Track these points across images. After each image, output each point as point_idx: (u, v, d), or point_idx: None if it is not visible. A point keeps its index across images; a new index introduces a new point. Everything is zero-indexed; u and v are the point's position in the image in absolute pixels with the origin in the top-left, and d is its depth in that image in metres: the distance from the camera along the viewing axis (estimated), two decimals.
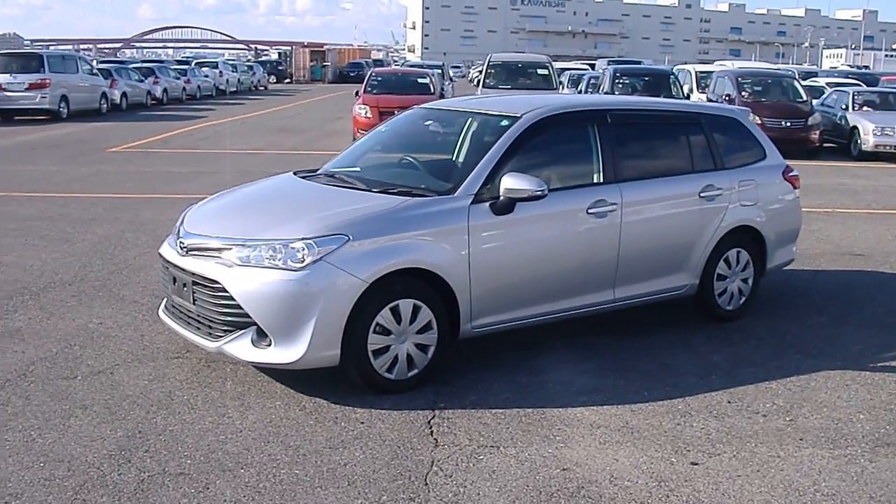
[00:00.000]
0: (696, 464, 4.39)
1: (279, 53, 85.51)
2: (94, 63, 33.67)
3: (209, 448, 4.41)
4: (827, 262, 9.02)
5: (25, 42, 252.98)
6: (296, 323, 4.84)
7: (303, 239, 4.93)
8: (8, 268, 7.90)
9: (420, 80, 20.37)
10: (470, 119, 6.31)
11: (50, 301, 6.89)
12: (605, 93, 20.31)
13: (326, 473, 4.18)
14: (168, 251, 5.50)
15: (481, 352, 5.88)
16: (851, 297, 7.70)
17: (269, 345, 4.91)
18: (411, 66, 35.90)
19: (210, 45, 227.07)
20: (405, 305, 5.11)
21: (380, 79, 20.62)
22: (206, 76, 44.95)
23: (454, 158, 6.24)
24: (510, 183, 5.37)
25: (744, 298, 6.88)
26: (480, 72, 23.20)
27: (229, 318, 5.00)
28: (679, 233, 6.40)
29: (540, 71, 19.97)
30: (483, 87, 19.38)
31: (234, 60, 64.55)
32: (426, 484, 4.10)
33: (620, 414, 4.99)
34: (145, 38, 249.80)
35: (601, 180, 6.02)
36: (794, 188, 7.20)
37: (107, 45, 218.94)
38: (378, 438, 4.58)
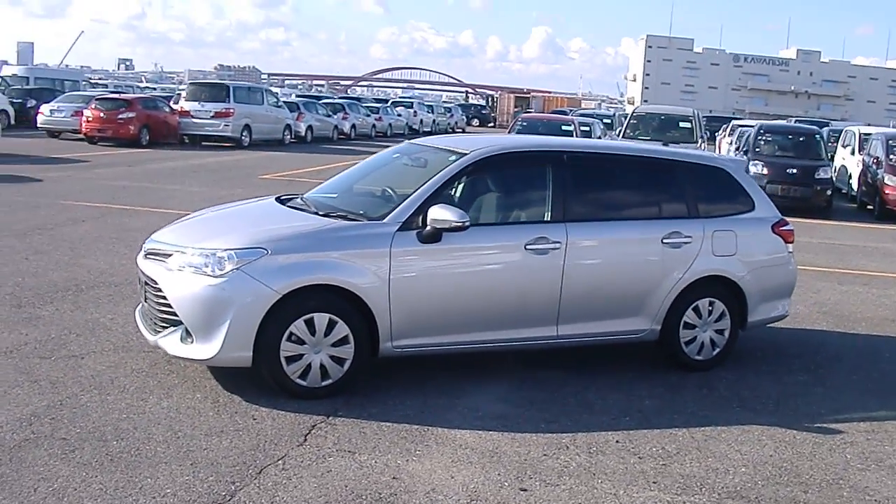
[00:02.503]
0: (524, 490, 4.55)
1: (486, 98, 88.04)
2: (285, 94, 36.24)
3: (103, 422, 5.05)
4: (866, 327, 8.58)
5: (263, 76, 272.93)
6: (213, 324, 5.41)
7: (227, 250, 5.51)
8: (77, 267, 9.00)
9: (564, 127, 20.86)
10: (430, 154, 6.68)
11: (87, 297, 7.84)
12: (746, 149, 19.83)
13: (181, 454, 4.69)
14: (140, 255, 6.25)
15: (419, 371, 6.21)
16: (856, 362, 7.35)
17: (192, 342, 5.50)
18: (583, 114, 36.11)
19: (437, 86, 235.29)
20: (320, 319, 5.55)
21: (525, 124, 21.30)
22: (399, 115, 47.03)
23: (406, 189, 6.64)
24: (435, 213, 5.71)
25: (717, 350, 6.78)
26: (622, 123, 23.30)
27: (165, 316, 5.65)
28: (635, 276, 6.45)
29: (682, 124, 19.86)
30: (623, 137, 19.48)
31: (439, 102, 67.21)
32: (258, 474, 4.52)
33: (499, 440, 5.18)
34: (376, 76, 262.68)
35: (548, 219, 6.22)
36: (787, 242, 7.03)
37: (339, 82, 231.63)
38: (254, 433, 5.05)
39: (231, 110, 27.94)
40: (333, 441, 5.01)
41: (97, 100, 26.71)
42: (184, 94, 30.27)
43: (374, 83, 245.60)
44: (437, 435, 5.20)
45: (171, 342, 5.61)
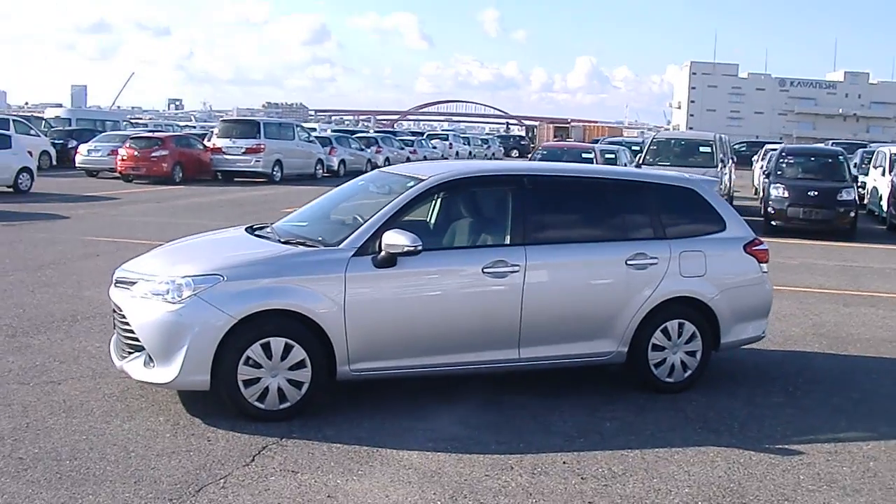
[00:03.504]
0: None
1: (526, 129, 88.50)
2: (322, 129, 36.72)
3: (62, 443, 5.23)
4: (860, 349, 8.45)
5: (310, 112, 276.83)
6: (171, 348, 5.57)
7: (185, 277, 5.67)
8: (78, 300, 9.27)
9: (584, 155, 20.90)
10: (393, 180, 6.79)
11: (80, 328, 8.08)
12: (768, 172, 19.70)
13: (128, 473, 4.84)
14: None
15: (383, 394, 6.29)
16: (838, 383, 7.25)
17: (154, 366, 5.66)
18: (611, 142, 36.08)
19: (482, 118, 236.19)
20: (276, 343, 5.68)
21: (545, 152, 21.42)
22: (434, 147, 47.45)
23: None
24: (389, 238, 5.83)
25: (689, 372, 6.75)
26: (640, 150, 23.30)
27: (130, 342, 5.83)
28: (598, 299, 6.47)
29: (702, 148, 19.79)
30: (643, 163, 19.47)
31: (482, 134, 67.63)
32: (197, 493, 4.64)
33: (444, 461, 5.23)
34: (421, 110, 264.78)
35: (507, 242, 6.29)
36: (760, 262, 6.99)
37: (385, 117, 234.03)
38: (205, 453, 5.17)
39: (262, 146, 28.43)
40: (280, 462, 5.11)
41: (131, 139, 27.41)
42: (216, 131, 30.88)
43: (420, 117, 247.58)
44: (383, 456, 5.27)
45: (134, 367, 5.78)
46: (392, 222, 6.01)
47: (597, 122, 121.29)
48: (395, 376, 6.13)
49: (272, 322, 5.70)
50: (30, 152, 21.68)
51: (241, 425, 5.63)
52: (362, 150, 36.97)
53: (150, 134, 30.61)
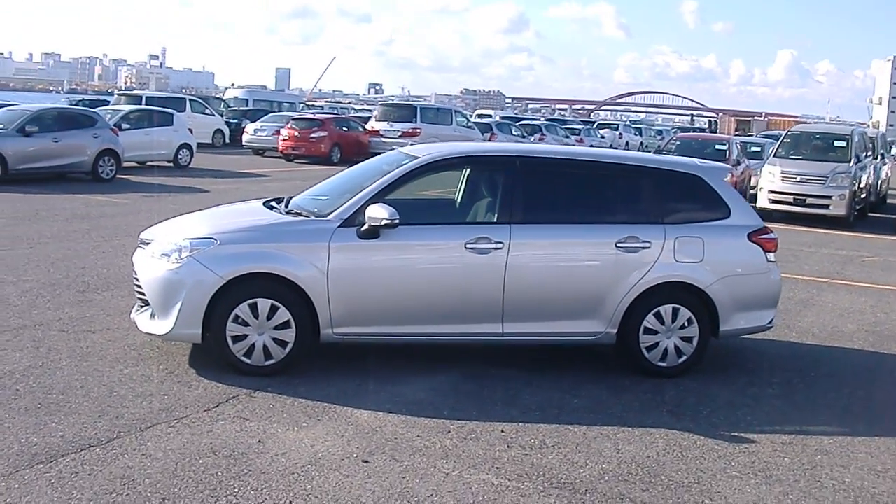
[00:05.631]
0: (366, 462, 4.93)
1: (709, 121, 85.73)
2: (472, 116, 37.28)
3: (60, 381, 5.94)
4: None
5: (507, 100, 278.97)
6: (168, 303, 6.18)
7: (185, 239, 6.27)
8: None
9: (718, 146, 20.39)
10: (399, 158, 7.09)
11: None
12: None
13: (97, 408, 5.47)
14: None
15: (376, 358, 6.66)
16: (852, 380, 6.98)
17: (155, 319, 6.30)
18: (767, 136, 34.48)
19: (678, 110, 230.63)
20: (263, 304, 6.18)
21: (679, 143, 20.99)
22: (603, 137, 46.94)
23: None
24: (371, 212, 6.20)
25: (684, 357, 6.71)
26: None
27: (141, 297, 6.49)
28: (584, 279, 6.56)
29: (837, 143, 18.82)
30: (775, 156, 18.74)
31: (667, 126, 66.04)
32: (147, 429, 5.21)
33: (389, 421, 5.56)
34: (618, 101, 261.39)
35: (494, 220, 6.50)
36: (766, 251, 6.82)
37: (581, 106, 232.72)
38: (176, 398, 5.76)
39: (418, 130, 29.29)
40: (238, 410, 5.61)
41: (293, 120, 29.02)
42: (375, 114, 32.07)
43: (616, 107, 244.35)
44: (335, 412, 5.66)
45: (142, 319, 6.44)
46: (380, 197, 6.35)
47: (796, 116, 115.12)
48: (378, 342, 6.50)
49: (259, 284, 6.19)
50: (190, 129, 23.38)
51: (227, 377, 6.16)
52: (524, 137, 37.16)
53: (311, 116, 32.20)
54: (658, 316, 6.65)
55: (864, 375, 7.18)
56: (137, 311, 6.60)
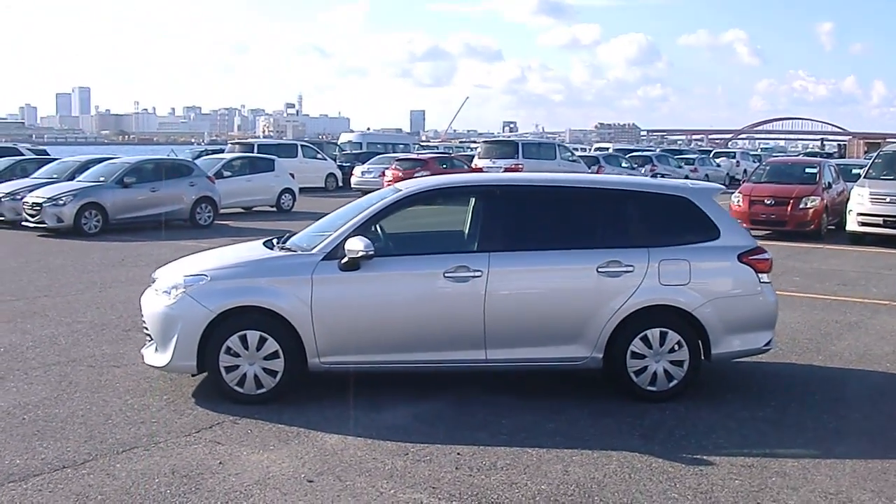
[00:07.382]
0: (311, 482, 5.16)
1: (838, 145, 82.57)
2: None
3: (67, 411, 6.45)
4: None
5: (642, 132, 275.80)
6: (167, 337, 6.63)
7: (182, 276, 6.72)
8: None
9: (808, 170, 19.70)
10: (387, 192, 7.32)
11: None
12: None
13: (85, 432, 5.94)
14: None
15: (366, 388, 6.89)
16: (856, 403, 6.71)
17: (157, 352, 6.76)
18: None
19: (817, 136, 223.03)
20: (252, 335, 6.54)
21: (768, 168, 20.50)
22: (719, 166, 45.78)
23: None
24: (349, 244, 6.47)
25: (675, 381, 6.64)
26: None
27: (147, 331, 6.97)
28: (566, 304, 6.60)
29: None
30: (865, 177, 17.96)
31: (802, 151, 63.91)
32: (124, 451, 5.62)
33: (353, 445, 5.78)
34: (755, 129, 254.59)
35: (474, 249, 6.66)
36: (759, 272, 6.68)
37: (718, 136, 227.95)
38: (163, 424, 6.17)
39: (520, 165, 29.56)
40: (215, 435, 5.96)
41: (397, 161, 29.79)
42: (478, 151, 32.51)
43: (753, 135, 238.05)
44: (304, 436, 5.92)
45: (148, 353, 6.92)
46: (363, 230, 6.63)
47: None
48: (364, 370, 6.74)
49: (248, 317, 6.56)
50: (292, 174, 24.37)
51: (221, 405, 6.52)
52: (634, 168, 36.78)
53: (414, 156, 32.95)
54: (645, 340, 6.61)
55: (869, 398, 6.88)
56: (146, 345, 7.07)
